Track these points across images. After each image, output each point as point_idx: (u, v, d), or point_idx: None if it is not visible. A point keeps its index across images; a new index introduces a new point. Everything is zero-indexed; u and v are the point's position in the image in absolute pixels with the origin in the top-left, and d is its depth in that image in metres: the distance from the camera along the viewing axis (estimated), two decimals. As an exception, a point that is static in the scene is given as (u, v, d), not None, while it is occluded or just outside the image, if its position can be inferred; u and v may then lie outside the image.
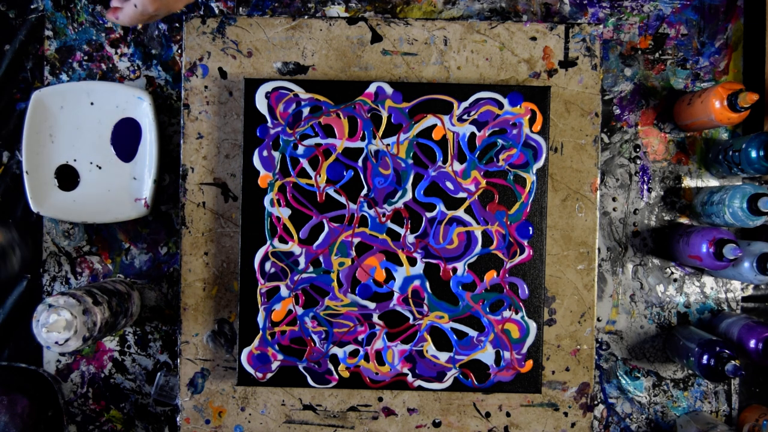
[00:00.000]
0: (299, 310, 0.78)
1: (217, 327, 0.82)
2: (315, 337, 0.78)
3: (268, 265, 0.78)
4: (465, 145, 0.78)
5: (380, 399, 0.82)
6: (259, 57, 0.81)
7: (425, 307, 0.78)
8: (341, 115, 0.78)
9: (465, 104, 0.78)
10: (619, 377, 0.88)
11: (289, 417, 0.82)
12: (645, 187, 0.88)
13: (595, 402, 0.88)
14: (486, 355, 0.78)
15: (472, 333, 0.78)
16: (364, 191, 0.78)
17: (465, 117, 0.78)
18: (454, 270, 0.78)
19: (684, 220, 0.88)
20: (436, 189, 0.78)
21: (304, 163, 0.78)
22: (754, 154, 0.77)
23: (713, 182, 0.88)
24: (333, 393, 0.82)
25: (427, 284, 0.78)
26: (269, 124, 0.78)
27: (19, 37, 0.87)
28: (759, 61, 0.85)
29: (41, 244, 0.87)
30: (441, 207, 0.78)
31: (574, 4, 0.87)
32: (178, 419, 0.82)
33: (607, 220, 0.88)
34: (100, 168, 0.85)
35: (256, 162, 0.78)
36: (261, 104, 0.77)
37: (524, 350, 0.78)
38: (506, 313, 0.78)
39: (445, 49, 0.81)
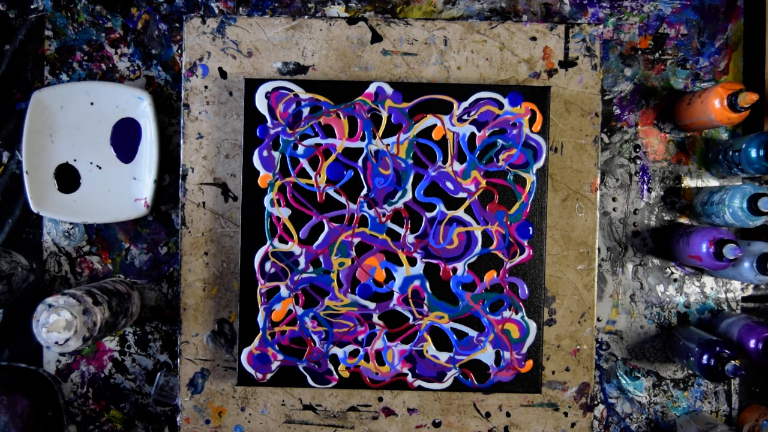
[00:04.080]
0: (299, 310, 0.78)
1: (217, 327, 0.82)
2: (315, 337, 0.78)
3: (268, 265, 0.78)
4: (465, 145, 0.78)
5: (380, 399, 0.82)
6: (259, 57, 0.81)
7: (425, 307, 0.78)
8: (341, 115, 0.78)
9: (465, 104, 0.78)
10: (619, 377, 0.88)
11: (289, 417, 0.82)
12: (645, 187, 0.88)
13: (595, 402, 0.88)
14: (486, 355, 0.78)
15: (472, 333, 0.78)
16: (364, 191, 0.78)
17: (465, 117, 0.78)
18: (454, 270, 0.78)
19: (684, 220, 0.88)
20: (436, 189, 0.78)
21: (304, 163, 0.78)
22: (754, 154, 0.77)
23: (713, 182, 0.88)
24: (333, 393, 0.82)
25: (427, 284, 0.78)
26: (269, 124, 0.78)
27: (19, 37, 0.87)
28: (759, 61, 0.85)
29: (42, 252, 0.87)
30: (441, 207, 0.78)
31: (574, 4, 0.88)
32: (178, 419, 0.82)
33: (607, 220, 0.88)
34: (100, 168, 0.85)
35: (256, 162, 0.78)
36: (261, 104, 0.77)
37: (524, 350, 0.78)
38: (506, 313, 0.78)
39: (445, 49, 0.81)
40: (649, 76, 0.88)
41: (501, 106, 0.78)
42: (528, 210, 0.78)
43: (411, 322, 0.78)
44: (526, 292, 0.78)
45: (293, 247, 0.78)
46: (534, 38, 0.81)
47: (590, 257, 0.81)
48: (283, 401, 0.82)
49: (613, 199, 0.88)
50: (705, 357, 0.77)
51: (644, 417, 0.89)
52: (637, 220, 0.88)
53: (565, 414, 0.82)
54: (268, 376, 0.78)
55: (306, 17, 0.81)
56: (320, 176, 0.78)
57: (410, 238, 0.78)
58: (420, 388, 0.79)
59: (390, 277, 0.78)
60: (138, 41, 0.87)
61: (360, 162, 0.78)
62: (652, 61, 0.88)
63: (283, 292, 0.78)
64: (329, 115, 0.78)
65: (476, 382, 0.79)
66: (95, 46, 0.87)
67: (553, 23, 0.81)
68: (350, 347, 0.78)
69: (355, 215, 0.78)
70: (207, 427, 0.82)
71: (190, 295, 0.81)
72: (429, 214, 0.78)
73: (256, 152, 0.78)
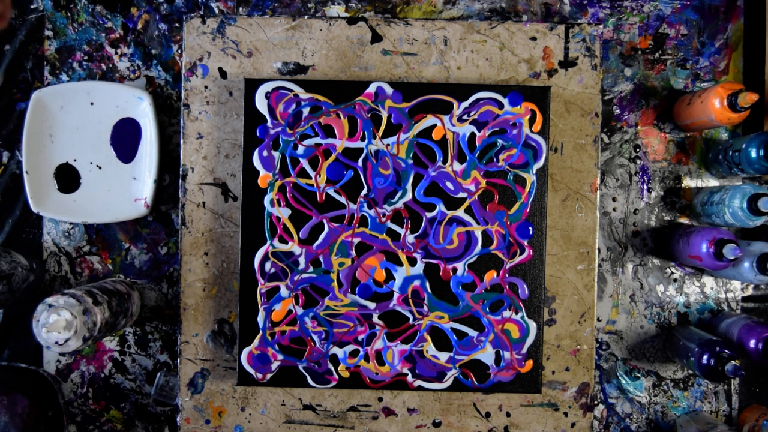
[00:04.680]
0: (299, 310, 0.78)
1: (217, 327, 0.82)
2: (315, 337, 0.78)
3: (268, 265, 0.78)
4: (465, 145, 0.78)
5: (380, 399, 0.82)
6: (259, 57, 0.81)
7: (425, 307, 0.78)
8: (341, 115, 0.78)
9: (465, 104, 0.78)
10: (619, 377, 0.88)
11: (289, 417, 0.82)
12: (645, 187, 0.88)
13: (595, 402, 0.88)
14: (486, 355, 0.78)
15: (472, 333, 0.78)
16: (364, 191, 0.78)
17: (465, 117, 0.78)
18: (454, 270, 0.78)
19: (684, 220, 0.88)
20: (436, 189, 0.78)
21: (304, 163, 0.78)
22: (754, 154, 0.77)
23: (713, 182, 0.88)
24: (333, 393, 0.82)
25: (427, 284, 0.78)
26: (269, 124, 0.78)
27: (19, 37, 0.87)
28: (759, 61, 0.85)
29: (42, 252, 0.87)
30: (441, 207, 0.78)
31: (574, 4, 0.88)
32: (178, 419, 0.82)
33: (607, 220, 0.88)
34: (100, 168, 0.85)
35: (256, 162, 0.78)
36: (261, 104, 0.77)
37: (524, 350, 0.78)
38: (506, 313, 0.78)
39: (445, 49, 0.81)
40: (649, 76, 0.88)
41: (501, 106, 0.78)
42: (528, 210, 0.78)
43: (411, 322, 0.78)
44: (526, 292, 0.78)
45: (293, 247, 0.78)
46: (534, 38, 0.81)
47: (590, 257, 0.81)
48: (283, 401, 0.82)
49: (613, 199, 0.88)
50: (705, 357, 0.77)
51: (644, 417, 0.89)
52: (637, 220, 0.88)
53: (565, 414, 0.82)
54: (268, 376, 0.78)
55: (306, 17, 0.81)
56: (320, 176, 0.78)
57: (410, 238, 0.78)
58: (420, 388, 0.79)
59: (390, 277, 0.78)
60: (138, 41, 0.87)
61: (360, 162, 0.78)
62: (652, 61, 0.88)
63: (283, 292, 0.78)
64: (329, 115, 0.78)
65: (476, 382, 0.79)
66: (95, 46, 0.87)
67: (553, 23, 0.81)
68: (350, 347, 0.78)
69: (355, 215, 0.78)
70: (207, 427, 0.82)
71: (190, 295, 0.81)
72: (429, 214, 0.78)
73: (256, 152, 0.78)
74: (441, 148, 0.78)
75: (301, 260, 0.78)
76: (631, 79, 0.88)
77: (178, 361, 0.82)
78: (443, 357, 0.78)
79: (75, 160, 0.85)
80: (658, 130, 0.88)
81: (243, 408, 0.82)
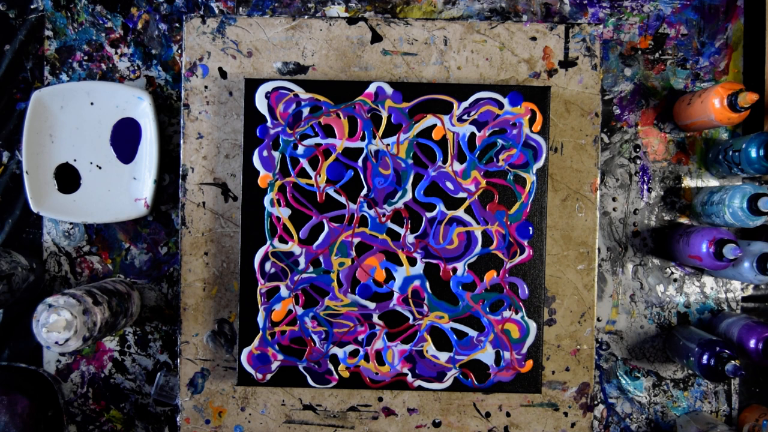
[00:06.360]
0: (299, 310, 0.78)
1: (217, 327, 0.82)
2: (315, 337, 0.78)
3: (268, 265, 0.78)
4: (465, 145, 0.78)
5: (380, 399, 0.82)
6: (259, 57, 0.81)
7: (425, 307, 0.78)
8: (341, 115, 0.78)
9: (465, 104, 0.78)
10: (619, 377, 0.88)
11: (289, 417, 0.82)
12: (645, 187, 0.88)
13: (595, 402, 0.88)
14: (486, 355, 0.78)
15: (472, 333, 0.78)
16: (364, 191, 0.78)
17: (465, 117, 0.78)
18: (454, 270, 0.78)
19: (684, 220, 0.88)
20: (436, 189, 0.78)
21: (304, 163, 0.78)
22: (754, 154, 0.77)
23: (713, 182, 0.88)
24: (333, 393, 0.82)
25: (427, 284, 0.78)
26: (269, 124, 0.78)
27: (19, 37, 0.87)
28: (759, 61, 0.85)
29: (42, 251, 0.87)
30: (441, 207, 0.78)
31: (574, 4, 0.88)
32: (178, 419, 0.82)
33: (607, 220, 0.88)
34: (100, 168, 0.85)
35: (256, 162, 0.78)
36: (261, 104, 0.77)
37: (524, 350, 0.78)
38: (506, 313, 0.78)
39: (445, 49, 0.81)
40: (649, 76, 0.88)
41: (501, 106, 0.78)
42: (528, 210, 0.78)
43: (411, 322, 0.78)
44: (526, 292, 0.78)
45: (293, 247, 0.78)
46: (534, 38, 0.81)
47: (590, 257, 0.81)
48: (283, 401, 0.82)
49: (613, 199, 0.88)
50: (705, 357, 0.77)
51: (644, 417, 0.89)
52: (637, 220, 0.88)
53: (565, 414, 0.82)
54: (268, 376, 0.78)
55: (306, 17, 0.81)
56: (320, 176, 0.78)
57: (410, 238, 0.78)
58: (420, 388, 0.79)
59: (390, 277, 0.78)
60: (138, 41, 0.87)
61: (360, 162, 0.78)
62: (652, 61, 0.88)
63: (283, 292, 0.78)
64: (329, 115, 0.78)
65: (476, 382, 0.79)
66: (95, 46, 0.87)
67: (553, 23, 0.81)
68: (350, 347, 0.78)
69: (355, 215, 0.78)
70: (207, 427, 0.82)
71: (190, 295, 0.81)
72: (429, 214, 0.78)
73: (256, 152, 0.78)
74: (441, 148, 0.78)
75: (301, 260, 0.78)
76: (631, 79, 0.88)
77: (178, 361, 0.82)
78: (443, 357, 0.78)
79: (75, 160, 0.85)
80: (658, 130, 0.88)
81: (243, 408, 0.82)
